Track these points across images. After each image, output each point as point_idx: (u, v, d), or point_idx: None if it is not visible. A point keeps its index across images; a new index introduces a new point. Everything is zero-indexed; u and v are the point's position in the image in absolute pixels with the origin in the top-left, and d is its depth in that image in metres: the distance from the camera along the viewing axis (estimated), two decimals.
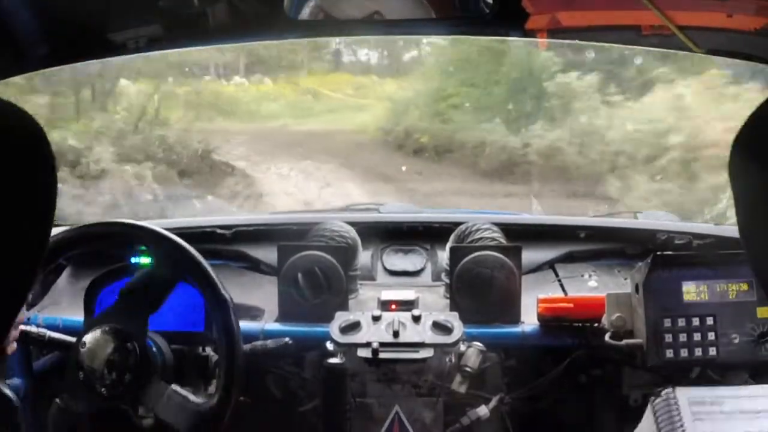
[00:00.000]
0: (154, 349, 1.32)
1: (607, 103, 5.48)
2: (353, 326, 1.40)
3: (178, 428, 1.26)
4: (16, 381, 1.50)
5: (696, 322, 1.34)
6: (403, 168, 6.13)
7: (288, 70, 7.43)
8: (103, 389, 1.27)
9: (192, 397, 1.28)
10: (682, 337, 1.34)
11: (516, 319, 1.51)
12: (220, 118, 6.77)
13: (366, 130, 6.93)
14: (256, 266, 1.76)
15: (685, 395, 1.27)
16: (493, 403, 1.43)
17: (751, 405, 1.25)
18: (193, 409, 1.26)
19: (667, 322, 1.34)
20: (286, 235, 1.72)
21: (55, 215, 0.67)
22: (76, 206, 4.50)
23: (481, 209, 2.28)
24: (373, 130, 6.90)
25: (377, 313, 1.42)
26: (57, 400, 1.34)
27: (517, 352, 1.51)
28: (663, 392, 1.29)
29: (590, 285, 1.65)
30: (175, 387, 1.28)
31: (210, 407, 1.25)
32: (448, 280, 1.60)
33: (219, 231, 1.78)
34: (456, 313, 1.44)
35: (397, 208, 2.00)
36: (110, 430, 1.41)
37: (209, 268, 1.29)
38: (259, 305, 1.59)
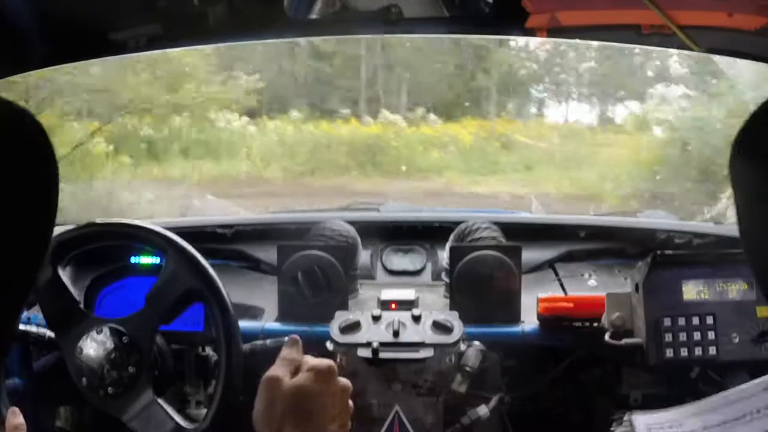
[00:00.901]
0: (154, 350, 1.32)
1: None
2: (353, 326, 1.39)
3: None
4: (16, 381, 1.50)
5: (696, 321, 1.34)
6: None
7: (469, 109, 5.04)
8: (100, 391, 1.26)
9: (177, 417, 1.25)
10: (682, 337, 1.34)
11: (516, 319, 1.51)
12: (355, 169, 4.71)
13: (599, 192, 3.89)
14: (256, 266, 1.76)
15: (642, 421, 1.27)
16: (493, 402, 1.43)
17: (704, 422, 1.25)
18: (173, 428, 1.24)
19: (667, 322, 1.34)
20: (286, 235, 1.72)
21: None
22: None
23: None
24: (612, 193, 3.84)
25: (377, 312, 1.41)
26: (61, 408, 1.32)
27: (517, 352, 1.51)
28: (624, 418, 1.29)
29: (590, 284, 1.65)
30: (160, 402, 1.25)
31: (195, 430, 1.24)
32: (448, 280, 1.60)
33: (219, 230, 1.79)
34: (456, 313, 1.44)
35: (397, 208, 2.00)
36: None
37: (209, 267, 1.29)
38: (258, 305, 1.59)
